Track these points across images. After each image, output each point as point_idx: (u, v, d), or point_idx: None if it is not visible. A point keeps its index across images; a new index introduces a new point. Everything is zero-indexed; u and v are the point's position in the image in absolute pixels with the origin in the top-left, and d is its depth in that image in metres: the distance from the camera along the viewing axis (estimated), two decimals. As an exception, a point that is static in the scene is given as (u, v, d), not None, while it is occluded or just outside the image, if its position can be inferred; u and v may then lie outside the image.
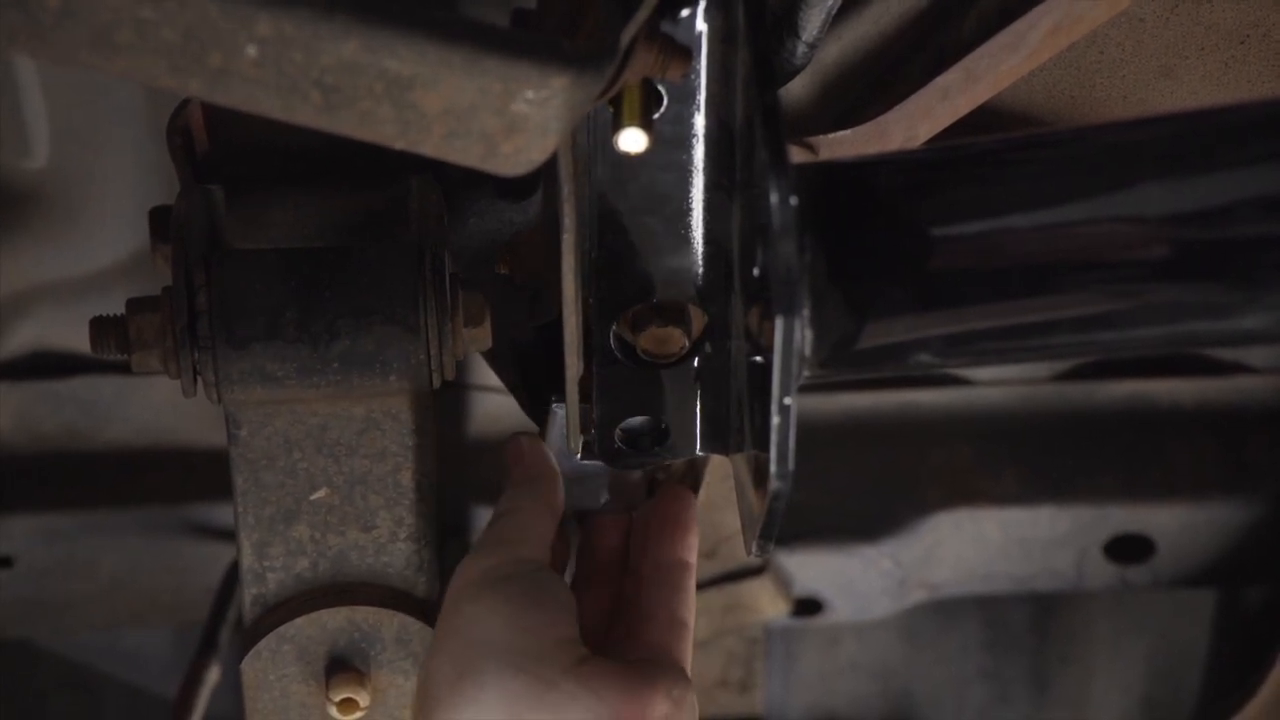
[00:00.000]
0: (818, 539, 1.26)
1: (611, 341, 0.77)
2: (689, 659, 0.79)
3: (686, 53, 0.67)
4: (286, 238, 0.86)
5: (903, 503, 1.25)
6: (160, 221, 0.83)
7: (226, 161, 0.84)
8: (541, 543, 0.80)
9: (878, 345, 0.70)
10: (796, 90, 0.90)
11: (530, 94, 0.58)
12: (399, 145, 0.59)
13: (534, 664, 0.73)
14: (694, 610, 0.81)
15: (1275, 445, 1.27)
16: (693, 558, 0.83)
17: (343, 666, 0.86)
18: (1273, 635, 1.26)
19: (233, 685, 0.93)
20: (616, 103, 0.68)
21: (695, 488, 0.86)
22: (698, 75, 0.70)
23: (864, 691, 1.46)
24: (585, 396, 0.77)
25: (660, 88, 0.70)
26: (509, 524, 0.80)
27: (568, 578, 0.85)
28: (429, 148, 0.59)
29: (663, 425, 0.78)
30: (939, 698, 1.49)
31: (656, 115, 0.71)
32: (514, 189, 0.87)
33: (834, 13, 0.81)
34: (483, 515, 1.22)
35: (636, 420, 0.79)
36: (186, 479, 1.20)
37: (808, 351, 0.68)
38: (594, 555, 0.85)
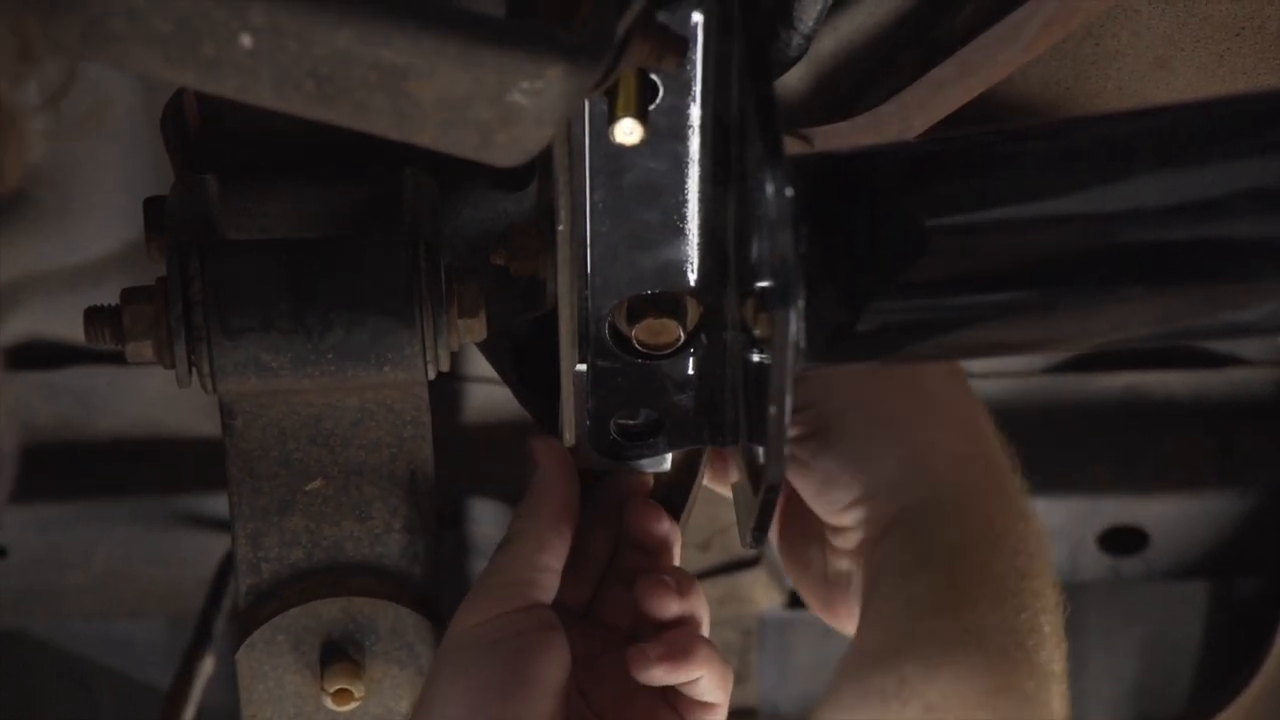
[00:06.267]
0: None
1: (607, 333, 0.77)
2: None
3: (682, 43, 0.67)
4: (281, 228, 0.86)
5: (897, 494, 1.25)
6: (155, 212, 0.83)
7: (221, 151, 0.84)
8: (543, 577, 0.77)
9: (873, 336, 0.70)
10: (792, 81, 0.90)
11: (525, 84, 0.58)
12: (393, 135, 0.59)
13: None
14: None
15: (1269, 437, 1.27)
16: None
17: (338, 656, 0.86)
18: (1265, 627, 1.26)
19: (227, 675, 0.93)
20: (612, 94, 0.68)
21: (690, 480, 0.85)
22: (693, 66, 0.70)
23: (858, 682, 1.46)
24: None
25: (655, 79, 0.70)
26: (509, 560, 0.78)
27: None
28: (424, 138, 0.59)
29: (658, 417, 0.78)
30: (933, 689, 1.49)
31: (652, 106, 0.70)
32: (509, 180, 0.87)
33: (830, 4, 0.81)
34: (478, 505, 1.22)
35: (632, 412, 0.79)
36: (181, 469, 1.20)
37: (803, 343, 0.68)
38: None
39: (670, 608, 0.77)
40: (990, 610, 0.72)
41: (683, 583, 0.78)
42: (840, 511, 0.77)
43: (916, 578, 0.73)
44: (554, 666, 0.74)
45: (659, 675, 0.76)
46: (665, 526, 0.81)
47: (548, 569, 0.77)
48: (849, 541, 0.77)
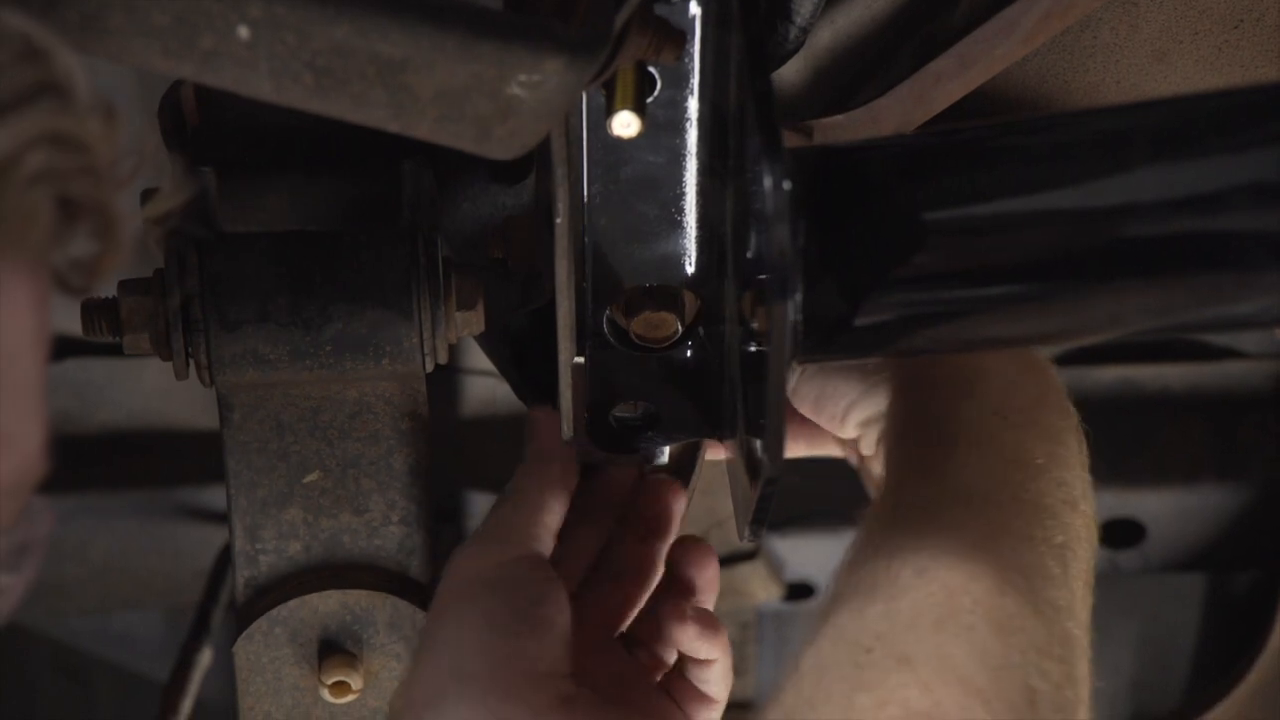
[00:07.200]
0: (810, 524, 1.26)
1: (605, 326, 0.76)
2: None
3: (680, 36, 0.67)
4: (279, 221, 0.86)
5: (894, 487, 1.25)
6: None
7: (219, 144, 0.84)
8: (544, 533, 0.78)
9: (870, 330, 0.70)
10: (789, 74, 0.90)
11: (524, 78, 0.58)
12: (392, 128, 0.59)
13: (503, 703, 0.70)
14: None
15: (1265, 430, 1.27)
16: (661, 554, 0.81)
17: (335, 649, 0.86)
18: (1262, 620, 1.26)
19: (225, 668, 0.93)
20: (610, 86, 0.68)
21: (689, 472, 0.85)
22: (691, 59, 0.70)
23: (855, 675, 1.46)
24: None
25: (653, 71, 0.70)
26: (511, 512, 0.78)
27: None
28: (422, 131, 0.59)
29: (656, 410, 0.78)
30: (930, 681, 1.49)
31: (650, 99, 0.70)
32: (507, 172, 0.87)
33: (827, -3, 0.81)
34: (475, 499, 1.22)
35: (630, 405, 0.79)
36: (178, 462, 1.20)
37: (801, 336, 0.68)
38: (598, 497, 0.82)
39: (707, 574, 0.78)
40: (966, 462, 0.70)
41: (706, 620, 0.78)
42: (843, 423, 0.77)
43: (900, 450, 0.73)
44: (558, 611, 0.74)
45: (690, 635, 0.76)
46: (679, 501, 0.81)
47: (545, 525, 0.78)
48: (870, 445, 0.77)
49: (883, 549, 0.69)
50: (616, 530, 0.81)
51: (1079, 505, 0.71)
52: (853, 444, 0.79)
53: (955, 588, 0.66)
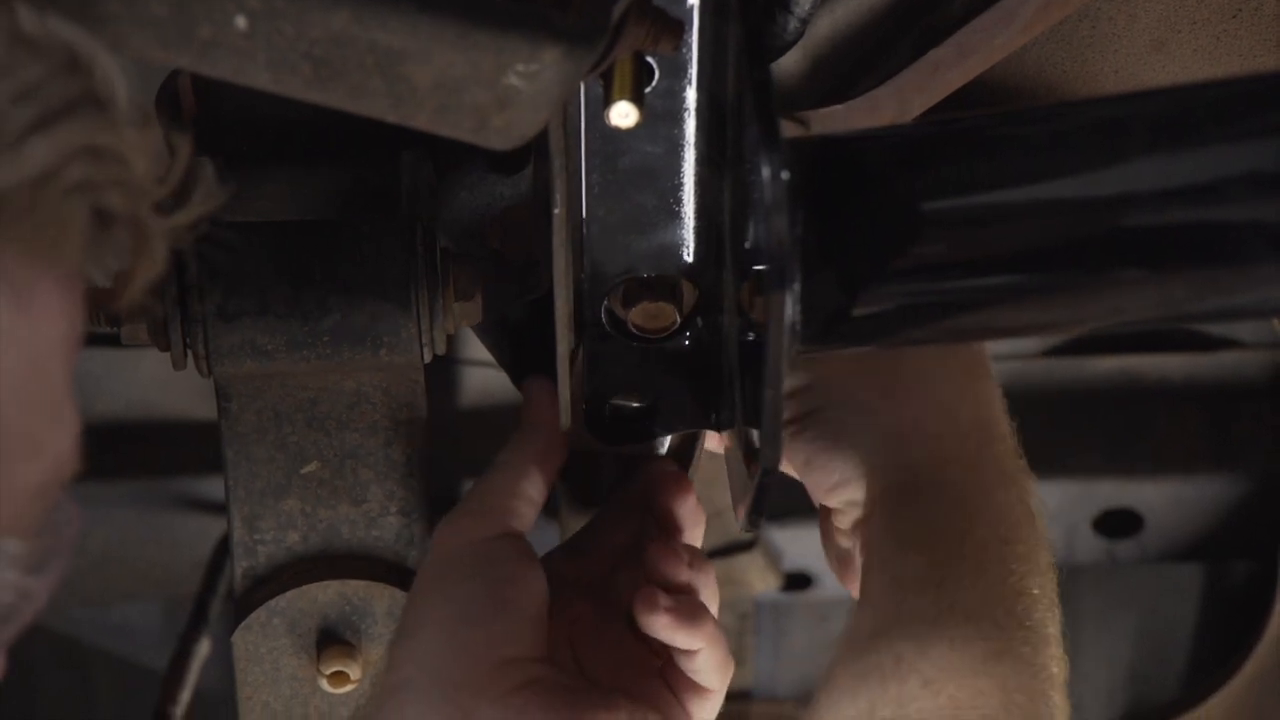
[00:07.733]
0: (808, 514, 1.26)
1: (603, 316, 0.76)
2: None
3: (678, 26, 0.67)
4: (278, 212, 0.85)
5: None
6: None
7: (217, 135, 0.84)
8: (523, 506, 0.78)
9: (869, 320, 0.70)
10: (788, 64, 0.90)
11: (522, 67, 0.58)
12: (390, 118, 0.59)
13: (460, 691, 0.71)
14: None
15: (1263, 420, 1.27)
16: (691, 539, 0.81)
17: (334, 639, 0.86)
18: (1259, 610, 1.27)
19: (223, 658, 0.93)
20: (608, 76, 0.67)
21: (687, 463, 0.85)
22: (689, 49, 0.70)
23: (853, 665, 1.47)
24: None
25: (651, 61, 0.70)
26: (493, 485, 0.78)
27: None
28: (420, 121, 0.59)
29: (654, 400, 0.78)
30: (927, 671, 1.49)
31: (648, 89, 0.70)
32: (505, 163, 0.87)
33: (826, -13, 0.81)
34: (473, 489, 1.22)
35: (628, 395, 0.79)
36: (176, 452, 1.20)
37: (799, 326, 0.68)
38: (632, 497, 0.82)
39: (680, 573, 0.77)
40: (973, 582, 0.72)
41: (694, 558, 0.78)
42: (827, 493, 0.78)
43: (899, 558, 0.74)
44: (528, 595, 0.74)
45: (662, 625, 0.75)
46: (692, 503, 0.81)
47: (527, 498, 0.78)
48: (845, 521, 0.78)
49: (890, 650, 0.71)
50: (648, 520, 0.81)
51: (1059, 637, 0.73)
52: (828, 510, 0.79)
53: (963, 702, 0.68)
